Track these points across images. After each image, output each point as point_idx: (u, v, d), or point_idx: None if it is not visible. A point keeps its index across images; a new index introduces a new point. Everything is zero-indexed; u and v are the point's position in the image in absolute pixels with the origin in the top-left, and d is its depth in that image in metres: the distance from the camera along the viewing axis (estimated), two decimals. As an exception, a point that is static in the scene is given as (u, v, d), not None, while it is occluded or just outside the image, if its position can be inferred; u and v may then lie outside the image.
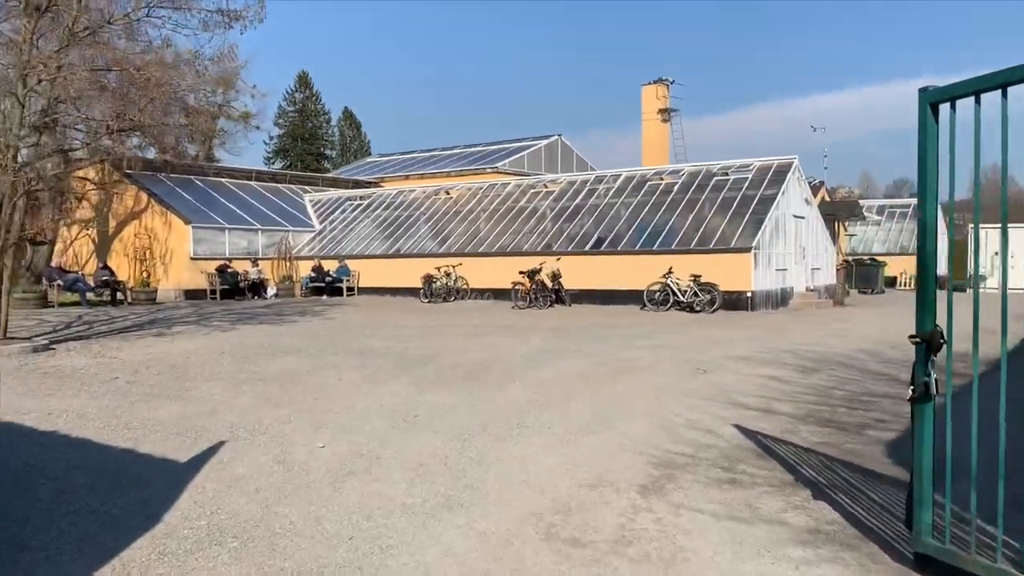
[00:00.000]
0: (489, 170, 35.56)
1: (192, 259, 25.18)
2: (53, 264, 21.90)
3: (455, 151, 42.49)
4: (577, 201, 25.00)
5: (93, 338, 13.37)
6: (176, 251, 25.43)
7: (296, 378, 9.29)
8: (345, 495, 4.77)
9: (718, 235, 20.70)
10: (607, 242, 22.52)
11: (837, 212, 33.33)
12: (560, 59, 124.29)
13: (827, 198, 38.59)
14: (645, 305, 19.65)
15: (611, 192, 24.69)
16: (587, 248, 22.67)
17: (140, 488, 4.82)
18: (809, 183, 26.17)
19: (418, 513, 4.46)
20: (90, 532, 4.05)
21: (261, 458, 5.59)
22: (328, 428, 6.62)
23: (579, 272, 21.81)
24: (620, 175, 25.47)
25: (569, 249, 22.76)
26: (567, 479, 5.19)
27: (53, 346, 12.01)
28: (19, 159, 10.95)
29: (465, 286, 23.96)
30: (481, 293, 23.75)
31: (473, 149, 41.71)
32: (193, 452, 5.72)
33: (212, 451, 5.74)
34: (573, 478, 5.21)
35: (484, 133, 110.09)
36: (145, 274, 24.82)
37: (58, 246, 26.15)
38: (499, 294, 22.69)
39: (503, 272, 22.19)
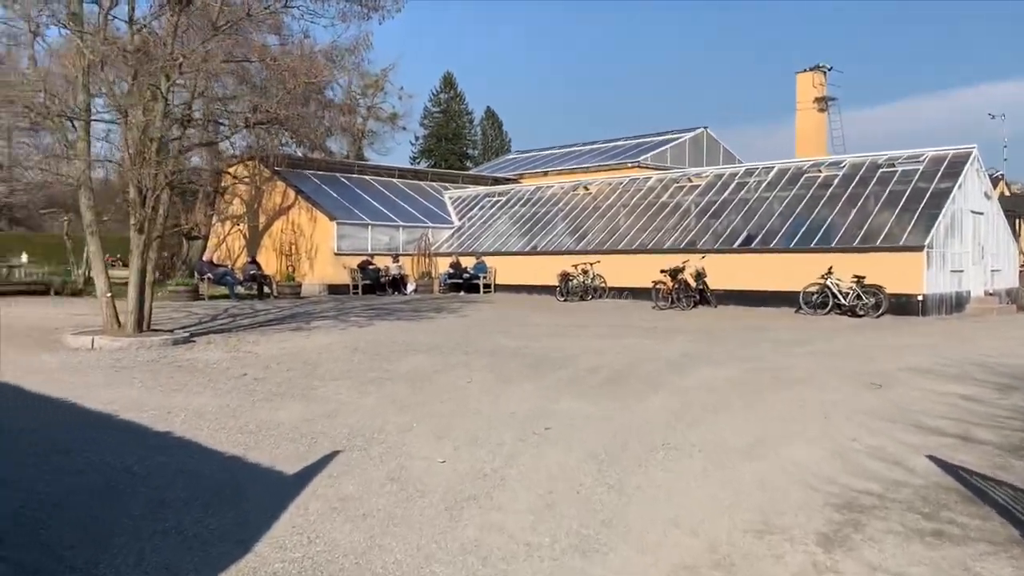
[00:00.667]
0: (630, 164, 34.45)
1: (336, 254, 25.64)
2: (205, 258, 22.81)
3: (594, 146, 41.59)
4: (724, 196, 23.55)
5: (233, 331, 13.52)
6: (321, 246, 25.99)
7: (425, 378, 8.80)
8: (462, 528, 4.10)
9: (884, 232, 18.77)
10: (757, 239, 21.01)
11: (1018, 208, 29.96)
12: (703, 49, 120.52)
13: (1007, 192, 34.90)
14: (800, 308, 18.09)
15: (762, 186, 23.08)
16: (735, 246, 21.24)
17: (239, 504, 4.34)
18: (988, 175, 23.52)
19: (544, 558, 3.71)
20: (172, 561, 3.57)
21: (374, 473, 5.03)
22: (451, 438, 6.01)
23: (725, 271, 20.44)
24: (772, 167, 23.78)
25: (715, 247, 21.41)
26: (725, 519, 4.30)
27: (194, 339, 12.16)
28: (163, 153, 11.09)
29: (603, 284, 23.08)
30: (619, 292, 22.79)
31: (613, 144, 40.67)
32: (304, 462, 5.24)
33: (324, 462, 5.24)
34: (733, 519, 4.31)
35: (624, 128, 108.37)
36: (290, 269, 25.48)
37: (211, 241, 27.40)
38: (638, 293, 21.65)
39: (643, 270, 21.14)
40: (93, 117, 11.20)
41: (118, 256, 21.87)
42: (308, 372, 9.20)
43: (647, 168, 32.89)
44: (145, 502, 4.26)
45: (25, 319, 14.76)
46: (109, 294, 11.74)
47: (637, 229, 24.16)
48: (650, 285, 19.97)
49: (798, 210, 21.14)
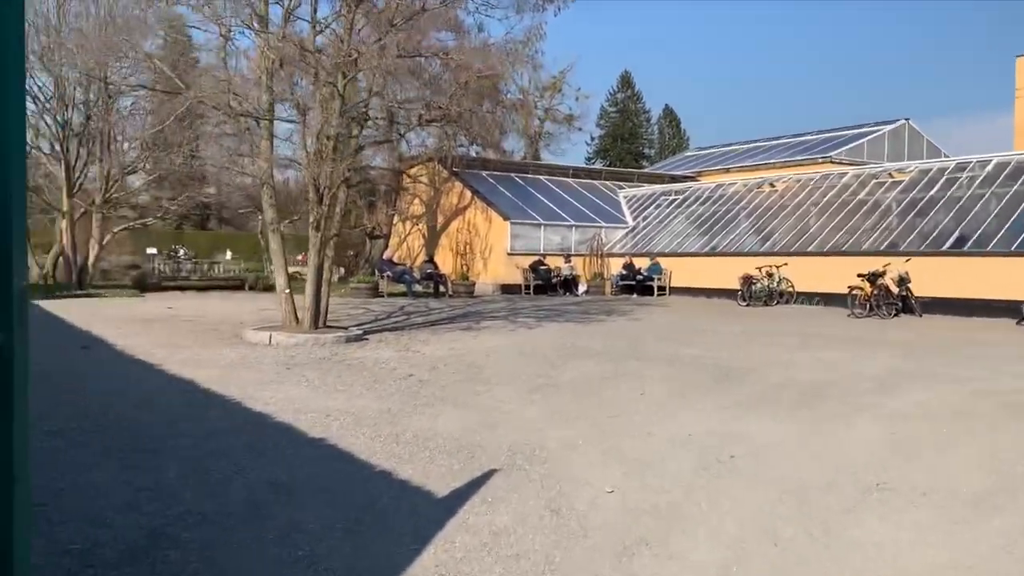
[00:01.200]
0: (820, 160, 32.03)
1: (508, 254, 25.59)
2: (385, 257, 23.42)
3: (780, 141, 39.16)
4: (932, 193, 21.16)
5: (406, 330, 13.54)
6: (494, 246, 26.02)
7: (593, 388, 8.18)
8: (630, 581, 3.43)
9: None
10: (971, 242, 18.65)
11: None
12: (897, 37, 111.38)
13: None
14: (1023, 319, 15.81)
15: (976, 182, 20.50)
16: (943, 248, 18.98)
17: (380, 534, 3.90)
18: None
19: (735, 637, 2.98)
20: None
21: (532, 501, 4.46)
22: (620, 461, 5.34)
23: (932, 276, 18.26)
24: (989, 161, 21.09)
25: (920, 249, 19.23)
26: (973, 597, 3.35)
27: (367, 336, 12.23)
28: (339, 151, 11.19)
29: (790, 289, 21.43)
30: (809, 297, 21.04)
31: (801, 139, 38.09)
32: (458, 481, 4.77)
33: (479, 483, 4.74)
34: (983, 597, 3.36)
35: (813, 123, 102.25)
36: (464, 268, 25.69)
37: (392, 240, 28.18)
38: (830, 299, 19.84)
39: (836, 274, 19.33)
40: (276, 117, 11.49)
41: (306, 253, 22.97)
42: (473, 375, 8.84)
43: (840, 163, 30.41)
44: (279, 528, 3.90)
45: (215, 313, 15.59)
46: (287, 290, 12.03)
47: (830, 229, 22.26)
48: (845, 290, 18.18)
49: (1021, 208, 18.56)
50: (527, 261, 25.34)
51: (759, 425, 6.51)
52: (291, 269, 12.69)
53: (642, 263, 25.65)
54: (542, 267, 25.20)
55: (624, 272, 25.70)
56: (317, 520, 3.99)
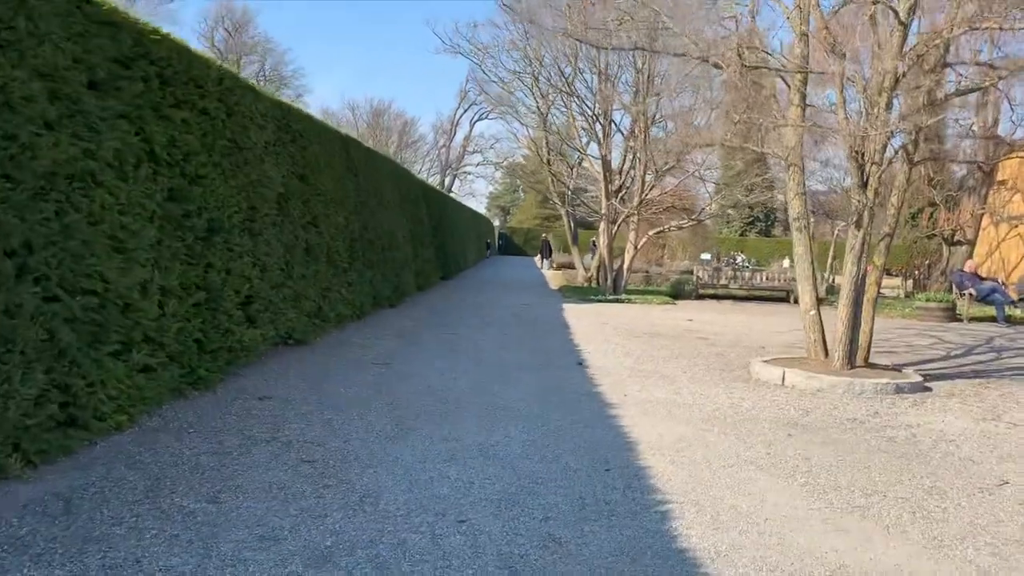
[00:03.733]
0: None
1: None
2: (966, 268, 17.88)
3: None
4: None
5: (992, 378, 9.02)
6: None
7: None
8: None
9: None
10: None
11: None
12: None
13: None
14: None
15: None
16: None
17: None
18: None
19: None
20: None
21: None
22: None
23: None
24: None
25: None
26: None
27: (929, 385, 8.23)
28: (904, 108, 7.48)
29: None
30: None
31: None
32: None
33: None
34: None
35: None
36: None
37: (979, 248, 22.03)
38: None
39: None
40: (811, 69, 8.26)
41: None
42: None
43: None
44: None
45: (736, 331, 12.94)
46: (813, 311, 8.73)
47: None
48: None
49: None
50: None
51: None
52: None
53: None
54: None
55: None
56: None
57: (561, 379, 7.73)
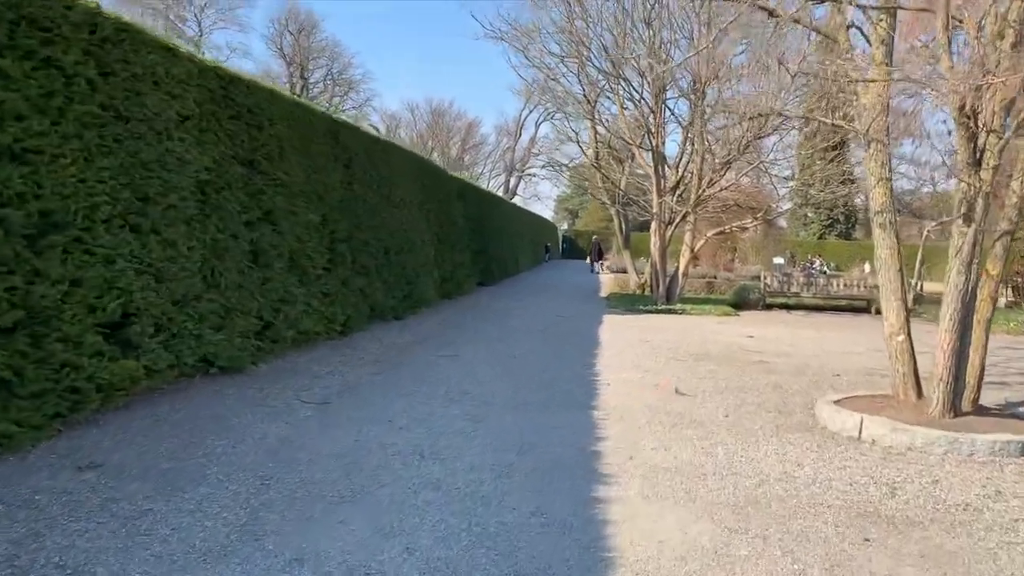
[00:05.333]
0: None
1: None
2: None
3: None
4: None
5: None
6: None
7: None
8: None
9: None
10: None
11: None
12: None
13: None
14: None
15: None
16: None
17: None
18: None
19: None
20: None
21: None
22: None
23: None
24: None
25: None
26: None
27: (1070, 441, 5.92)
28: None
29: None
30: None
31: None
32: None
33: None
34: None
35: None
36: None
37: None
38: None
39: None
40: (900, 4, 6.06)
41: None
42: None
43: None
44: None
45: (805, 351, 10.66)
46: (901, 336, 6.51)
47: None
48: None
49: None
50: None
51: None
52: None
53: None
54: None
55: None
56: None
57: (553, 428, 5.74)
